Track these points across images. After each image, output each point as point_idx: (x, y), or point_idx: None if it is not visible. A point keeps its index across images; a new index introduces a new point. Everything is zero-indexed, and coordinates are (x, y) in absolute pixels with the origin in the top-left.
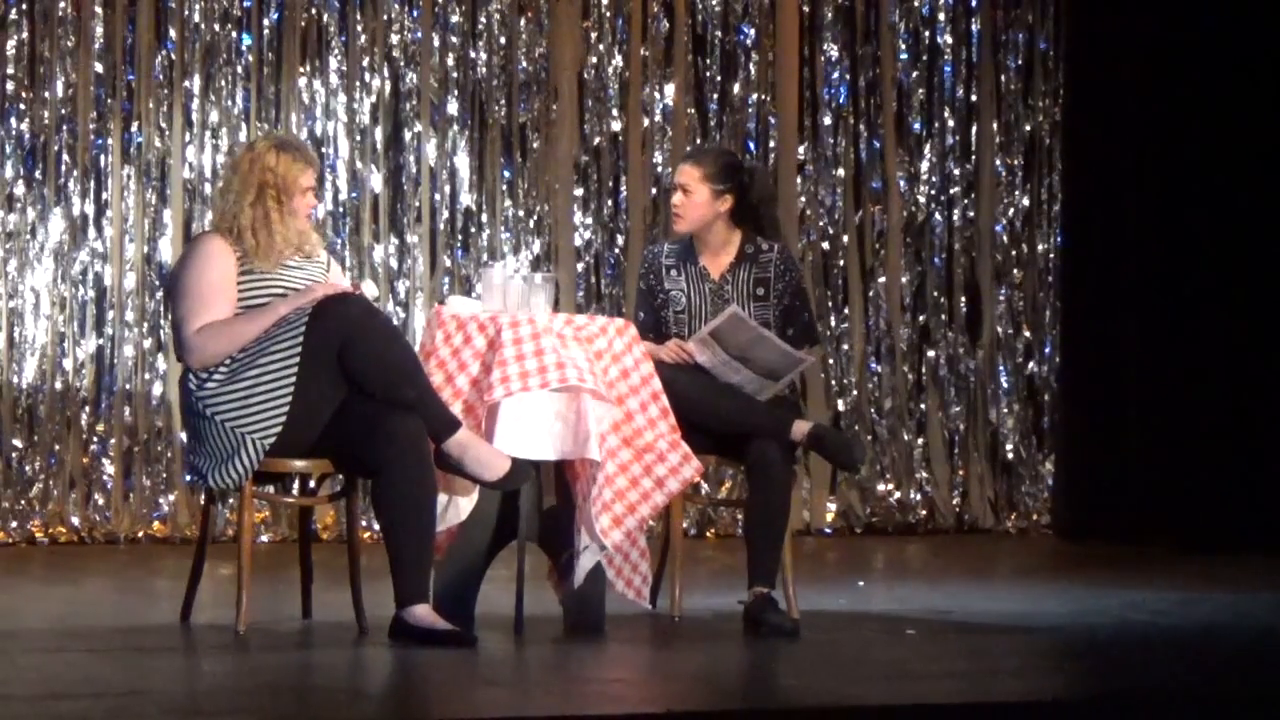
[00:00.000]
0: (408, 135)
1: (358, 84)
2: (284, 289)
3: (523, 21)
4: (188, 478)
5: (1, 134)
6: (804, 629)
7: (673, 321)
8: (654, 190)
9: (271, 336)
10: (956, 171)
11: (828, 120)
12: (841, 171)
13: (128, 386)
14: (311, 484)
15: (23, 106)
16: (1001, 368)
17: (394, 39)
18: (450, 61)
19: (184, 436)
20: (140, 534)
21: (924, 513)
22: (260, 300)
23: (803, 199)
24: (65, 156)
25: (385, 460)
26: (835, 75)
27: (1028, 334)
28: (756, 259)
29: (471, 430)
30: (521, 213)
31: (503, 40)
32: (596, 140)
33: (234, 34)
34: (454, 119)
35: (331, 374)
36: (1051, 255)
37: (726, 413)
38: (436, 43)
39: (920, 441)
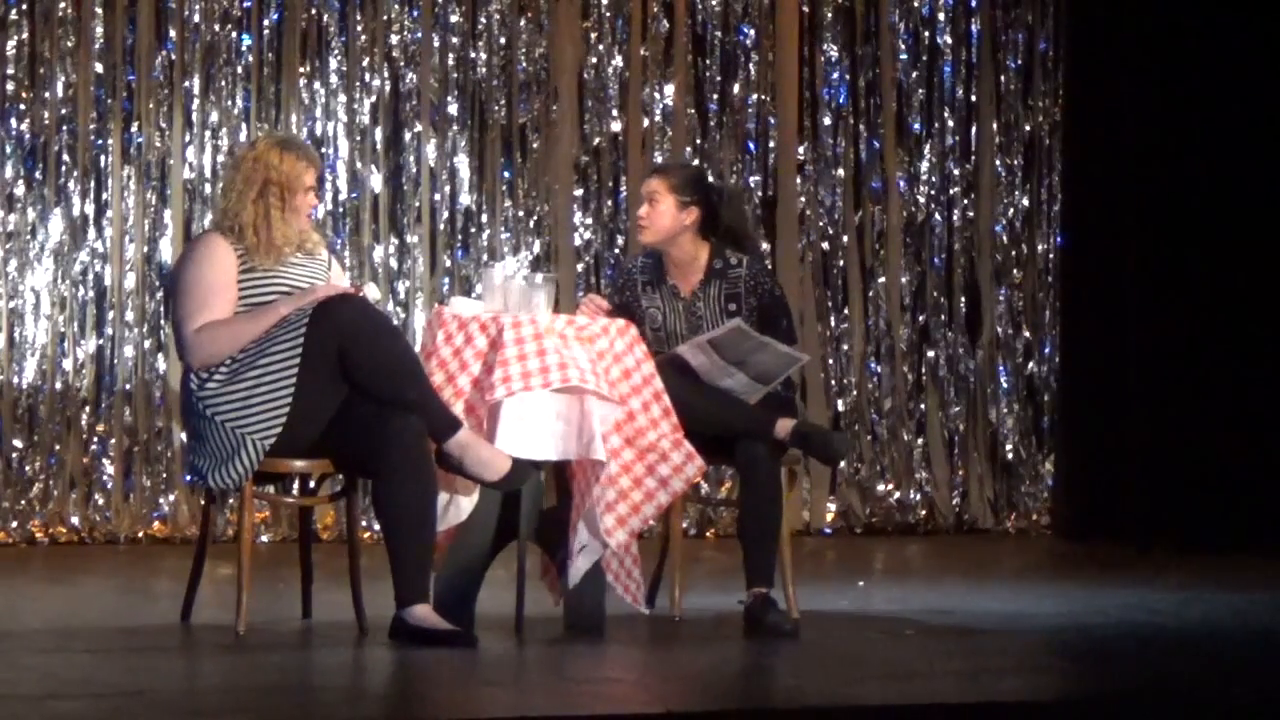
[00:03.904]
0: (408, 135)
1: (358, 84)
2: (287, 286)
3: (523, 21)
4: (188, 478)
5: (1, 134)
6: (804, 629)
7: (650, 339)
8: None
9: (272, 337)
10: (956, 171)
11: (828, 120)
12: (841, 171)
13: (128, 386)
14: (311, 484)
15: (23, 106)
16: (1001, 368)
17: (394, 39)
18: (450, 61)
19: (184, 436)
20: (140, 534)
21: (924, 513)
22: (262, 298)
23: (803, 199)
24: (65, 156)
25: (386, 462)
26: (835, 75)
27: (1028, 334)
28: (725, 275)
29: (473, 430)
30: (521, 213)
31: (503, 40)
32: (596, 140)
33: (234, 34)
34: (454, 119)
35: (332, 375)
36: (1051, 255)
37: (707, 415)
38: (436, 43)
39: (920, 441)
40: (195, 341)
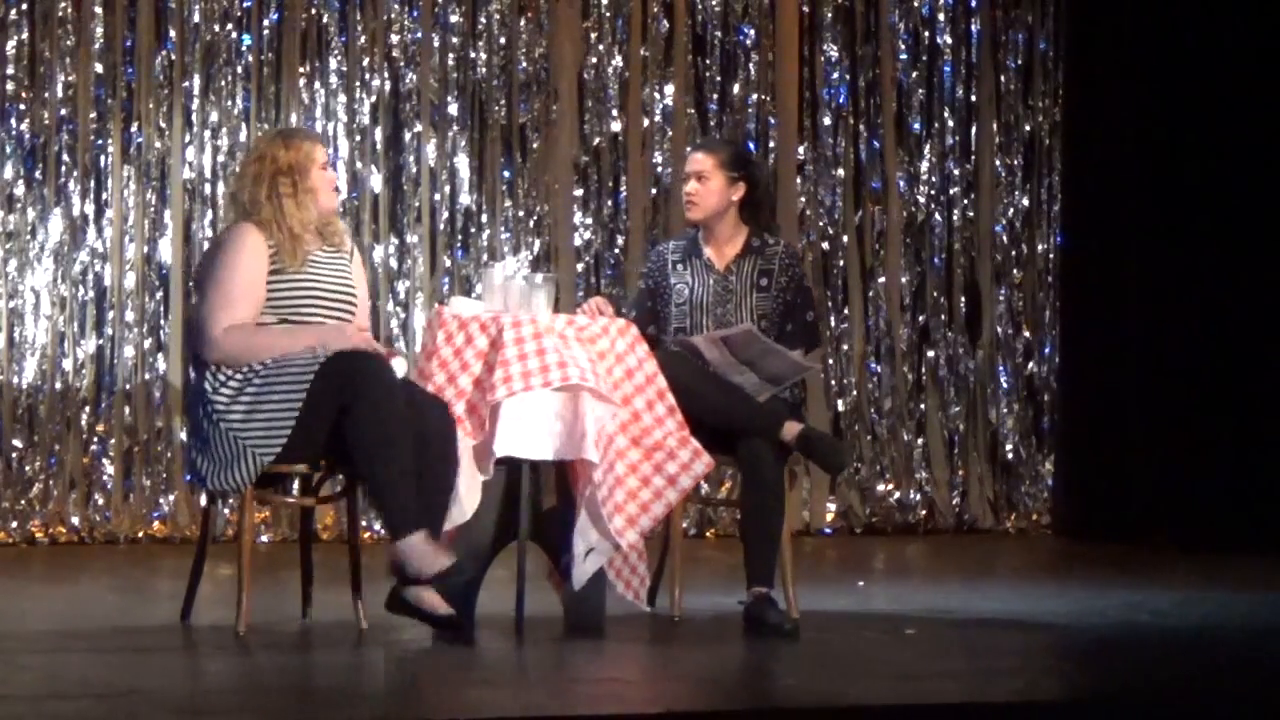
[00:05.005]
0: (408, 135)
1: (358, 84)
2: (311, 289)
3: (523, 21)
4: (188, 477)
5: (1, 134)
6: (804, 629)
7: (674, 314)
8: (654, 190)
9: (290, 359)
10: (956, 171)
11: (828, 120)
12: (841, 171)
13: (128, 386)
14: (312, 484)
15: (23, 106)
16: (1001, 368)
17: (394, 39)
18: (450, 61)
19: (185, 434)
20: (140, 534)
21: (924, 513)
22: (287, 301)
23: (803, 199)
24: (65, 156)
25: (355, 398)
26: (835, 75)
27: (1028, 334)
28: (762, 251)
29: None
30: (521, 213)
31: (503, 40)
32: (596, 140)
33: (234, 34)
34: (454, 119)
35: (330, 421)
36: (1051, 255)
37: (718, 405)
38: (436, 43)
39: (920, 441)
40: (219, 341)
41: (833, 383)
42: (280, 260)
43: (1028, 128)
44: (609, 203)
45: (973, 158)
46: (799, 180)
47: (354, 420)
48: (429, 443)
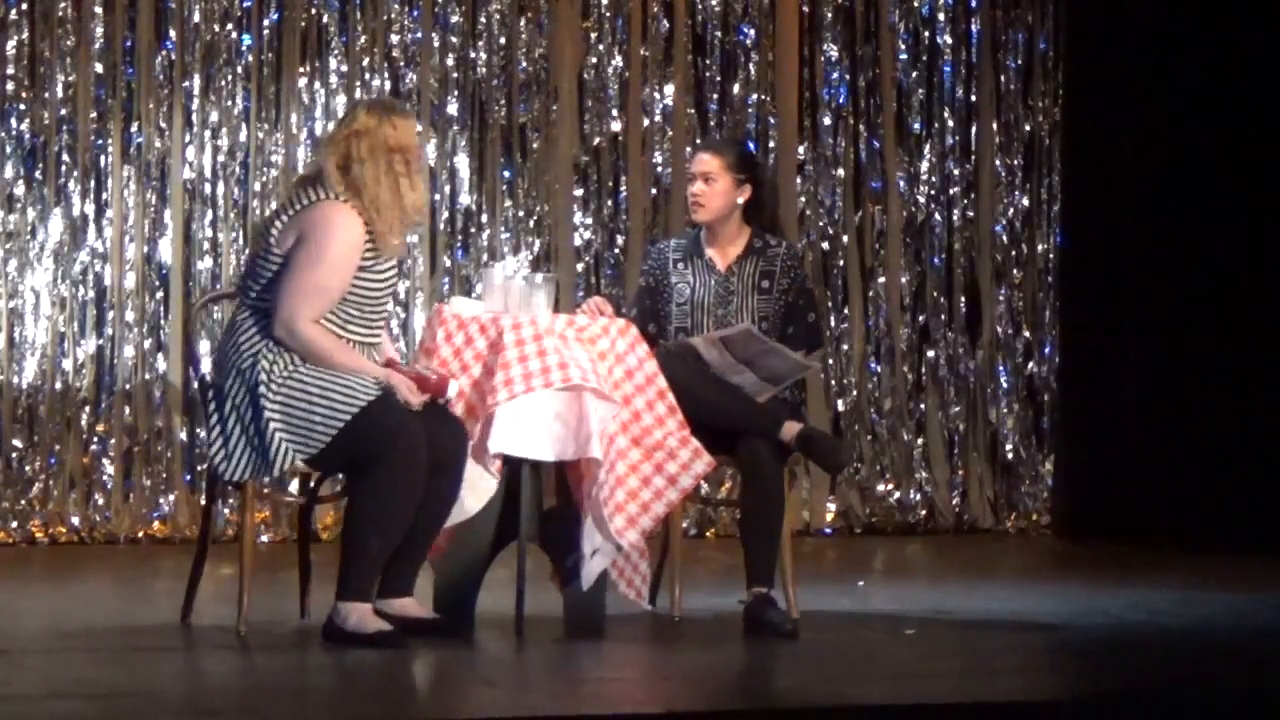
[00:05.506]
0: None
1: (358, 84)
2: (373, 291)
3: (523, 21)
4: (211, 461)
5: (1, 134)
6: (804, 629)
7: (674, 314)
8: (654, 190)
9: (349, 382)
10: (956, 171)
11: (828, 120)
12: (841, 171)
13: (128, 386)
14: (311, 484)
15: (23, 106)
16: (1001, 368)
17: (394, 39)
18: (450, 61)
19: (212, 412)
20: (140, 534)
21: (924, 513)
22: (363, 295)
23: (803, 199)
24: (65, 156)
25: (380, 460)
26: (835, 75)
27: (1028, 334)
28: (764, 253)
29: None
30: (521, 213)
31: (503, 40)
32: (596, 140)
33: (234, 34)
34: (454, 119)
35: (351, 458)
36: (1051, 255)
37: (717, 405)
38: (436, 43)
39: (920, 441)
40: (299, 328)
41: (833, 383)
42: (372, 254)
43: (1028, 128)
44: (609, 203)
45: (973, 158)
46: (799, 180)
47: (368, 482)
48: (440, 469)
